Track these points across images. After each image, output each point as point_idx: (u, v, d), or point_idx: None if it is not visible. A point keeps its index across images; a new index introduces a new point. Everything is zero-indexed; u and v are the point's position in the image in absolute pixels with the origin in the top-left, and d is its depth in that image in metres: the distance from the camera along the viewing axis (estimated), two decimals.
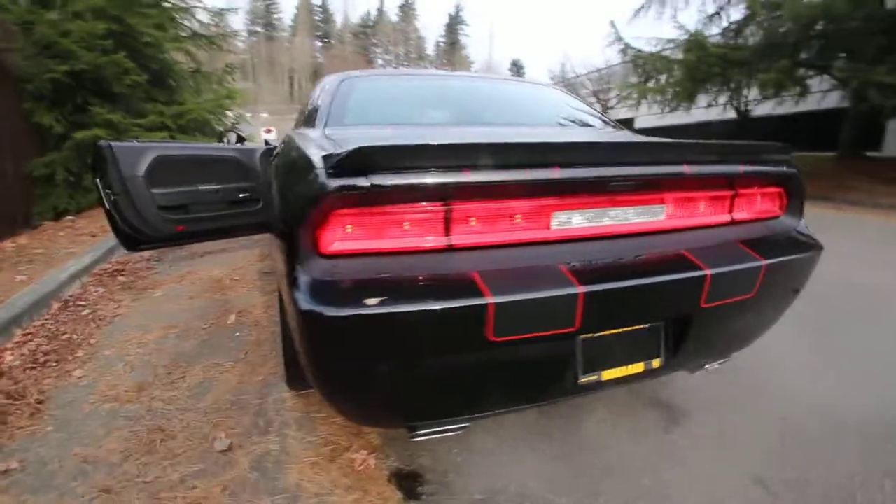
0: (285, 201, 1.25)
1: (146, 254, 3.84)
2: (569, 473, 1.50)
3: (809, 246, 1.48)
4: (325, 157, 1.02)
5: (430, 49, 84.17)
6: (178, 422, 1.73)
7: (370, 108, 1.89)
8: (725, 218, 1.43)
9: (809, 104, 9.65)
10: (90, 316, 2.66)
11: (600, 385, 1.26)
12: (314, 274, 1.00)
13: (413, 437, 1.21)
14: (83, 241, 4.02)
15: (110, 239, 4.00)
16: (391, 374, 1.06)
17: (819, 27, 7.75)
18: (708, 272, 1.22)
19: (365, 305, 0.95)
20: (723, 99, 10.94)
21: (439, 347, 1.04)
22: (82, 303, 2.83)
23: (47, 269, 3.20)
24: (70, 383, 2.00)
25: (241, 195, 3.33)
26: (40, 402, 1.85)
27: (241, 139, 3.64)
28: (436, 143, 0.98)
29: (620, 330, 1.24)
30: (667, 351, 1.34)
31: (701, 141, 1.29)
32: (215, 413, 1.79)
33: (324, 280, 1.00)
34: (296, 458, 1.55)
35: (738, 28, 10.40)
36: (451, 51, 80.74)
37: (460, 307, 0.98)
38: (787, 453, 1.58)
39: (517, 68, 74.49)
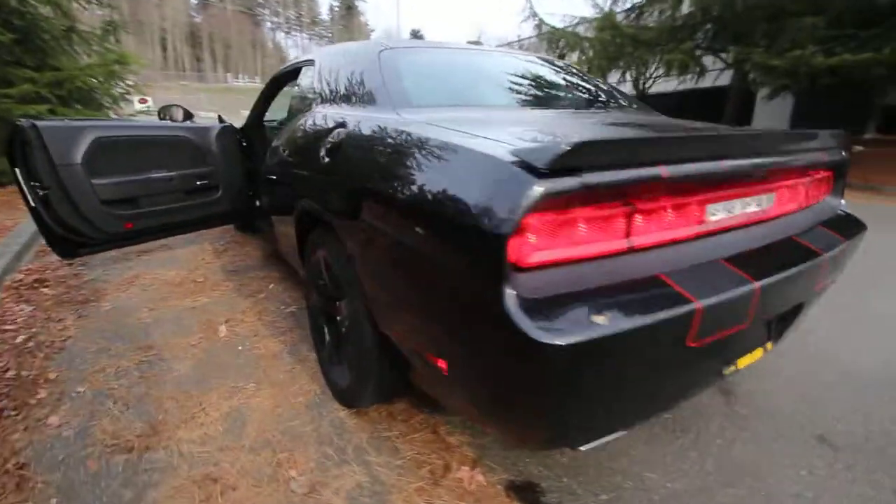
0: (444, 204, 0.99)
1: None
2: (670, 459, 1.52)
3: (861, 224, 1.62)
4: (525, 154, 0.86)
5: (324, 13, 79.05)
6: (229, 466, 1.45)
7: (431, 88, 1.64)
8: (804, 202, 1.51)
9: (702, 82, 10.78)
10: (31, 343, 2.11)
11: (735, 373, 1.28)
12: (522, 292, 0.85)
13: (578, 449, 1.12)
14: None
15: (10, 240, 3.21)
16: (595, 394, 0.96)
17: (715, 13, 8.61)
18: (825, 256, 1.27)
19: (594, 325, 0.83)
20: (630, 76, 11.80)
21: (646, 360, 0.96)
22: (10, 327, 2.23)
23: None
24: (49, 436, 1.57)
25: (198, 182, 2.84)
26: (21, 468, 1.42)
27: (188, 115, 3.08)
28: (649, 137, 0.88)
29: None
30: (776, 334, 1.40)
31: (796, 130, 1.33)
32: (268, 448, 1.52)
33: (536, 299, 0.85)
34: (394, 486, 1.38)
35: (641, 10, 11.21)
36: (348, 16, 76.64)
37: (676, 316, 0.91)
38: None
39: (417, 38, 73.05)
